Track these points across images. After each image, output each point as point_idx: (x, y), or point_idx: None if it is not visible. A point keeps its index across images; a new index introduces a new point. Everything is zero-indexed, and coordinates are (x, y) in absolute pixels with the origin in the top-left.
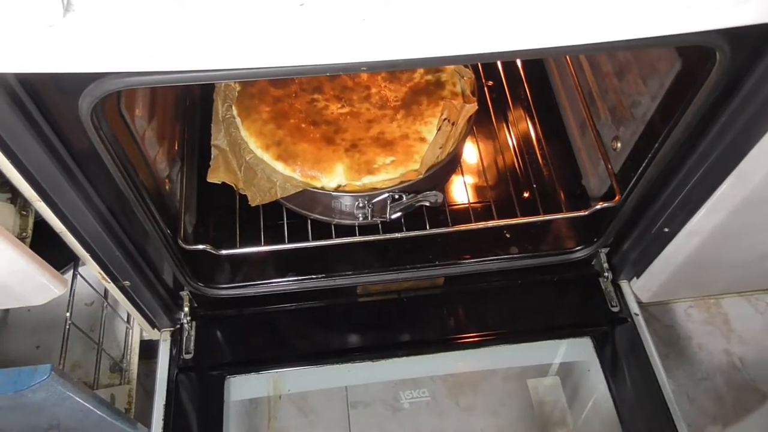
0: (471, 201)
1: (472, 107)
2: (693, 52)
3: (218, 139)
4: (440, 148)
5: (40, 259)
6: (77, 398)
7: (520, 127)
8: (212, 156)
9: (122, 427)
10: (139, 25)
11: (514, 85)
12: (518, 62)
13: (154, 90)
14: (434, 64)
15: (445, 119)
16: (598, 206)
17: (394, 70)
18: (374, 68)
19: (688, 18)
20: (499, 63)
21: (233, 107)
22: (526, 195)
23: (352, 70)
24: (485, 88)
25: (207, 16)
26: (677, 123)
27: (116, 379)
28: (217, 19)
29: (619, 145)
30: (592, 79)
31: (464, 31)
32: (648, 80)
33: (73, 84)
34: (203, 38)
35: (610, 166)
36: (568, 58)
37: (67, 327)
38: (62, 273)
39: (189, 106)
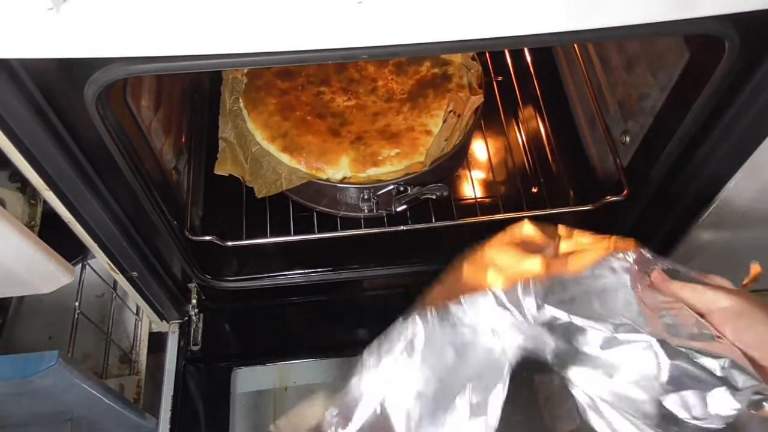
0: (479, 195)
1: (478, 99)
2: (701, 43)
3: (225, 131)
4: (445, 140)
5: (48, 246)
6: (84, 385)
7: (529, 122)
8: (220, 148)
9: (130, 416)
10: (138, 10)
11: (523, 79)
12: (528, 56)
13: (160, 81)
14: (435, 52)
15: (450, 111)
16: (606, 200)
17: (395, 57)
18: (375, 56)
19: (694, 3)
20: (508, 57)
21: (240, 99)
22: (534, 190)
23: (352, 57)
24: (494, 83)
25: (208, 2)
26: (686, 116)
27: (126, 369)
28: (216, 3)
29: (627, 138)
30: (601, 73)
31: (465, 15)
32: (656, 72)
33: (78, 71)
34: (201, 23)
35: (618, 161)
36: (578, 51)
37: (76, 316)
38: (73, 264)
39: (197, 99)
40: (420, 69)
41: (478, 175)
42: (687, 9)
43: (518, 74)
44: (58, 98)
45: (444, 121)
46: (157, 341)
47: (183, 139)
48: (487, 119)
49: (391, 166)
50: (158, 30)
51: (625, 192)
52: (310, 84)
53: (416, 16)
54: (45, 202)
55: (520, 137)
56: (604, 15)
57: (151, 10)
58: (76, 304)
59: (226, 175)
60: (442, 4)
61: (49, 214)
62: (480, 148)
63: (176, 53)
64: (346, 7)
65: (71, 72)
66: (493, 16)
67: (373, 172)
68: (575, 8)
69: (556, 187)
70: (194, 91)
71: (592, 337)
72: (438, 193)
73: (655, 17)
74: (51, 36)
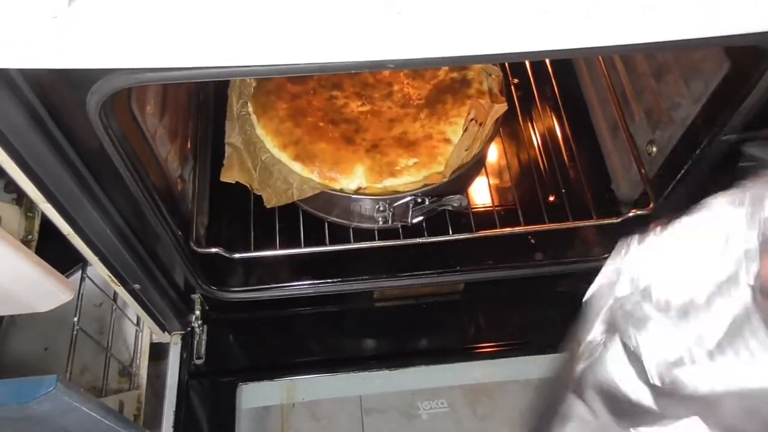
0: (494, 204)
1: (502, 107)
2: (743, 53)
3: (232, 136)
4: (466, 150)
5: (47, 264)
6: (84, 409)
7: (547, 128)
8: (226, 154)
9: None
10: (148, 19)
11: (540, 83)
12: (546, 59)
13: (166, 86)
14: (474, 62)
15: (472, 119)
16: (631, 214)
17: (425, 67)
18: (403, 66)
19: (739, 18)
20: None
21: (249, 104)
22: (551, 198)
23: (378, 67)
24: (511, 86)
25: (223, 7)
26: (722, 129)
27: (125, 383)
28: (233, 10)
29: (654, 149)
30: (626, 79)
31: (505, 29)
32: (690, 82)
33: (80, 80)
34: (218, 32)
35: (644, 171)
36: (599, 56)
37: (75, 333)
38: (70, 274)
39: (202, 102)
40: (437, 73)
41: (494, 182)
42: (733, 25)
43: (536, 77)
44: (58, 107)
45: (465, 130)
46: (156, 349)
47: (188, 145)
48: (503, 123)
49: (409, 176)
50: (168, 40)
51: (651, 205)
52: (322, 88)
53: (450, 30)
54: (43, 214)
55: (536, 142)
56: (644, 31)
57: (161, 19)
58: (75, 319)
59: (233, 182)
60: (483, 17)
61: (47, 223)
62: (496, 154)
63: (187, 65)
64: (377, 19)
65: (73, 81)
66: (533, 29)
67: (389, 182)
68: (617, 23)
69: (575, 195)
70: (199, 93)
71: None
72: (456, 205)
73: (700, 33)
74: (53, 45)
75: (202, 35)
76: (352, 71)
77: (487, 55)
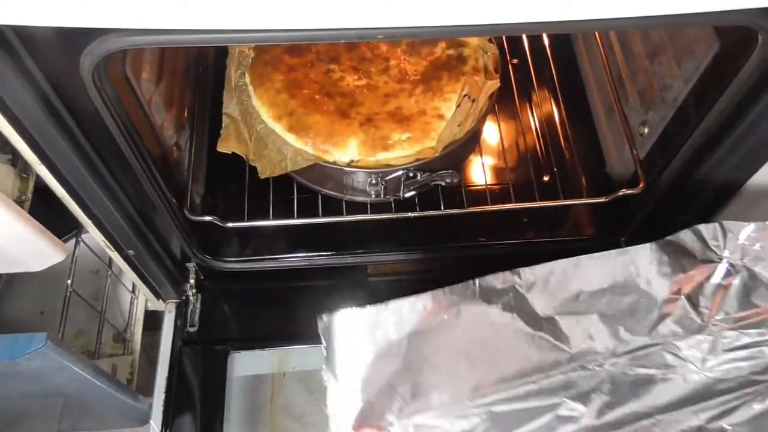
0: (488, 182)
1: (494, 84)
2: (733, 34)
3: (230, 107)
4: (459, 125)
5: (39, 224)
6: (75, 368)
7: (544, 109)
8: (223, 125)
9: (123, 399)
10: None
11: (539, 64)
12: (545, 39)
13: (163, 52)
14: (461, 35)
15: (465, 95)
16: (620, 193)
17: (414, 38)
18: (392, 36)
19: None
20: (525, 40)
21: (246, 74)
22: (546, 179)
23: (368, 37)
24: (510, 66)
25: None
26: (711, 108)
27: (119, 349)
28: None
29: (646, 130)
30: (622, 61)
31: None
32: (682, 62)
33: (74, 41)
34: None
35: (635, 152)
36: (598, 37)
37: (68, 294)
38: (67, 239)
39: (201, 72)
40: (434, 50)
41: (489, 160)
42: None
43: (534, 58)
44: (53, 69)
45: (458, 106)
46: (152, 318)
47: (185, 114)
48: (501, 103)
49: (402, 150)
50: (159, 2)
51: (641, 185)
52: (320, 61)
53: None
54: (38, 175)
55: (533, 123)
56: (635, 4)
57: None
58: (69, 282)
59: (229, 152)
60: None
61: (42, 186)
62: (492, 133)
63: (180, 27)
64: None
65: (66, 41)
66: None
67: (382, 156)
68: None
69: (569, 177)
70: (198, 64)
71: None
72: (449, 180)
73: (691, 7)
74: (49, 4)
75: None
76: (342, 41)
77: (480, 25)
